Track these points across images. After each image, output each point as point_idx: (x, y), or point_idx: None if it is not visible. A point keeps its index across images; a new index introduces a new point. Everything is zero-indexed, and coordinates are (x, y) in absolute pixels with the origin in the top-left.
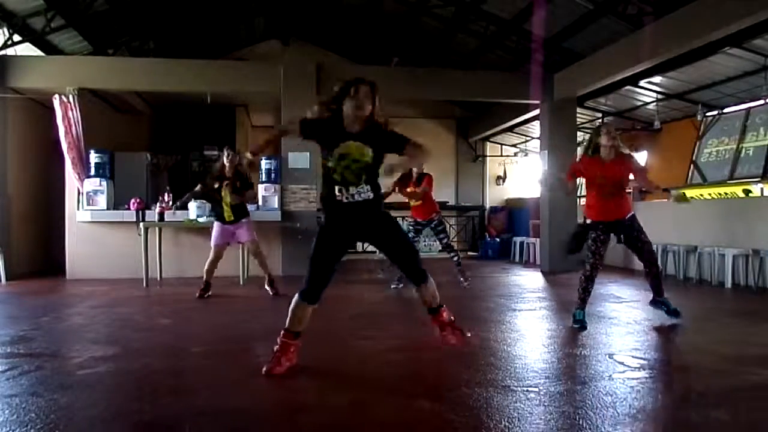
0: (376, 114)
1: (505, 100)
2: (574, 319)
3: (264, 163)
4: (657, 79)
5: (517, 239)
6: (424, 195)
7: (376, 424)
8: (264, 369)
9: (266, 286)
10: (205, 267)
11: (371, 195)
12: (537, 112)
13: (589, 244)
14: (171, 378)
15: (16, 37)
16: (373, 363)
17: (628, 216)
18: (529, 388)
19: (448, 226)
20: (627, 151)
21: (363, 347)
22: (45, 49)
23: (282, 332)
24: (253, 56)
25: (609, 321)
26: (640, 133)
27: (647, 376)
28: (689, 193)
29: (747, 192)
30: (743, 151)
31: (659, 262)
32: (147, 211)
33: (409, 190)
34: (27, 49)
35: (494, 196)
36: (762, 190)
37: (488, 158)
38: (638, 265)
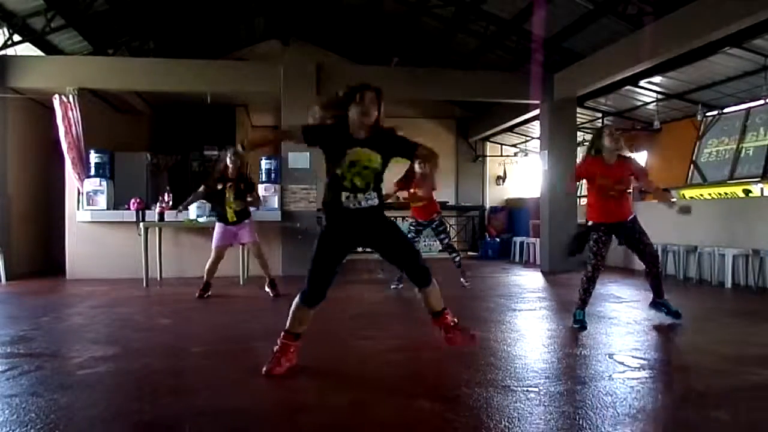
0: (382, 120)
1: (505, 100)
2: (574, 319)
3: (264, 163)
4: (657, 79)
5: (517, 239)
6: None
7: (376, 424)
8: (264, 369)
9: (266, 288)
10: (206, 267)
11: (377, 202)
12: (537, 112)
13: (591, 245)
14: (171, 378)
15: (16, 37)
16: (373, 363)
17: (630, 218)
18: (529, 388)
19: (448, 226)
20: (628, 154)
21: (363, 347)
22: (45, 49)
23: (282, 333)
24: (253, 56)
25: (609, 321)
26: (639, 133)
27: (647, 376)
28: (689, 193)
29: (747, 192)
30: (743, 151)
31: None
32: (147, 211)
33: (413, 190)
34: (27, 49)
35: (494, 196)
36: (762, 190)
37: (488, 158)
38: (638, 265)
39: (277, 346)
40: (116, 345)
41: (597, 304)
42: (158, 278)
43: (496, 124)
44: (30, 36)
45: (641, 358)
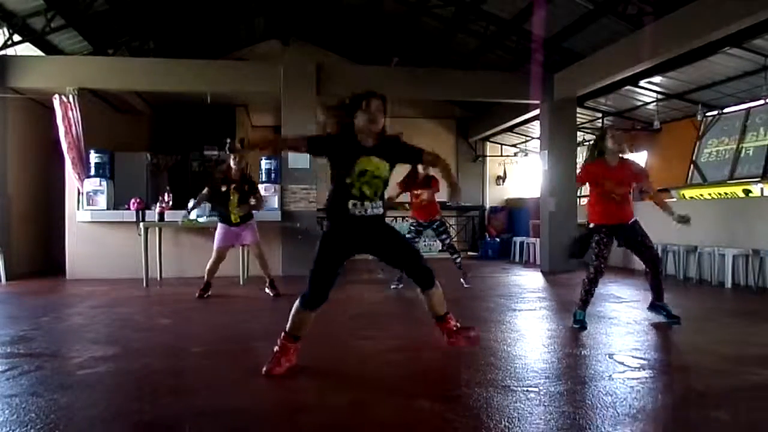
0: (387, 127)
1: (505, 100)
2: (575, 319)
3: (264, 163)
4: (657, 79)
5: (517, 239)
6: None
7: (376, 424)
8: (264, 369)
9: (267, 289)
10: (207, 267)
11: (381, 210)
12: (537, 112)
13: (593, 247)
14: (171, 378)
15: (16, 37)
16: (373, 363)
17: (631, 221)
18: (529, 388)
19: (449, 226)
20: (629, 155)
21: (363, 347)
22: (45, 49)
23: (282, 335)
24: (253, 56)
25: (609, 321)
26: (639, 133)
27: (647, 376)
28: (689, 193)
29: (747, 192)
30: (743, 151)
31: None
32: (147, 211)
33: (417, 192)
34: (27, 49)
35: (494, 196)
36: (762, 190)
37: (488, 158)
38: (638, 265)
39: (277, 347)
40: (116, 345)
41: (597, 304)
42: (158, 278)
43: (496, 124)
44: (30, 36)
45: (641, 358)
